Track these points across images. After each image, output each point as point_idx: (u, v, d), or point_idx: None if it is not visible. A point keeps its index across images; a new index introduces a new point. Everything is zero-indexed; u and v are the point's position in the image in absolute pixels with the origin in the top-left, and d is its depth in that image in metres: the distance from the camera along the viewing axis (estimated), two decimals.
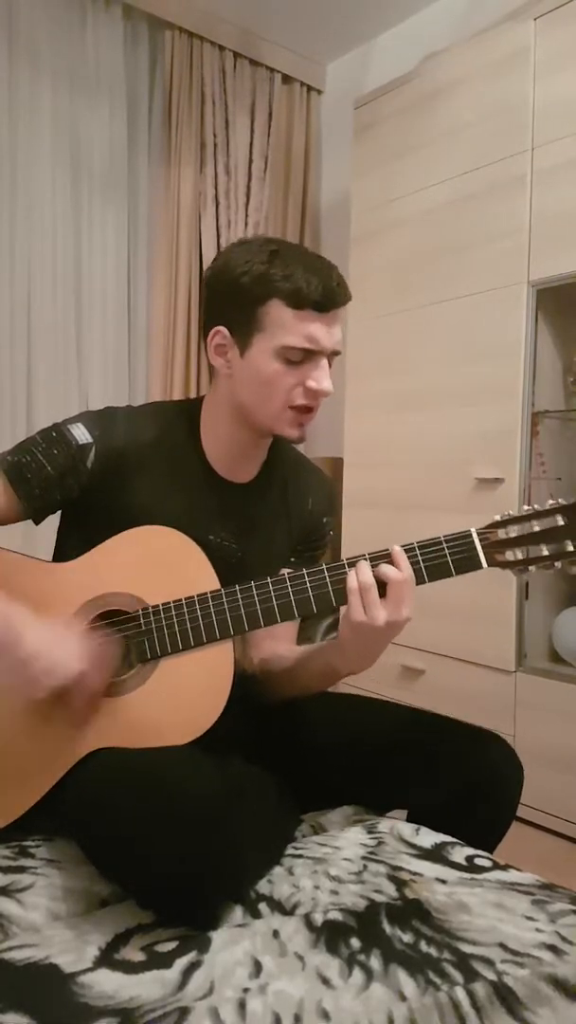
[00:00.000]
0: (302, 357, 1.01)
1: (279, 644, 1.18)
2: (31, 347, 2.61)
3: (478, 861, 0.97)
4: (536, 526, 0.95)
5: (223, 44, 2.89)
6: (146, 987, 0.71)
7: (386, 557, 0.96)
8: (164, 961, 0.75)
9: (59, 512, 1.12)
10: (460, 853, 0.98)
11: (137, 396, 2.87)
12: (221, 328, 1.04)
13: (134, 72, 2.81)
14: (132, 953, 0.77)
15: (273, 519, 1.17)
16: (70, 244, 2.67)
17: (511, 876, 0.94)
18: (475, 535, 0.96)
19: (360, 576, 0.94)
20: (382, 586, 0.94)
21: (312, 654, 1.09)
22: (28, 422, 2.59)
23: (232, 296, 1.02)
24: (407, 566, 0.95)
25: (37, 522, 1.10)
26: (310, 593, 0.98)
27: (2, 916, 0.83)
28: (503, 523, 0.97)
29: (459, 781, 1.04)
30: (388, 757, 1.09)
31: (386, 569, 0.94)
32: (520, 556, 0.95)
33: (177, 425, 1.12)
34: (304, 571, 0.99)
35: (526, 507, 0.97)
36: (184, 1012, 0.67)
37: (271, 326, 1.00)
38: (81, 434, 1.05)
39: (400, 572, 0.94)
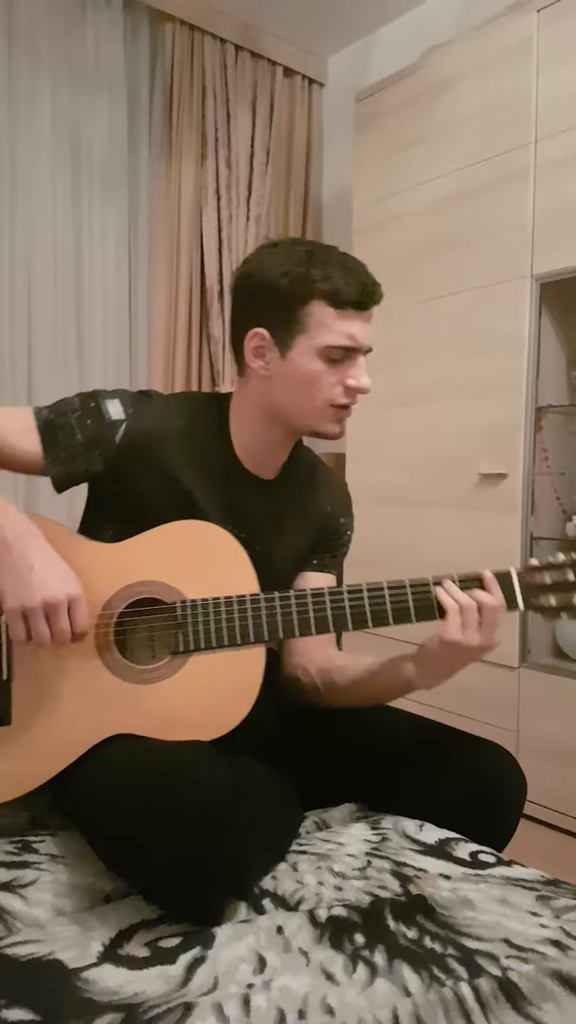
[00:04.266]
0: (343, 356, 1.04)
1: (326, 649, 1.18)
2: (31, 341, 2.60)
3: (482, 857, 0.97)
4: (571, 575, 0.99)
5: (224, 37, 2.87)
6: (150, 983, 0.71)
7: (475, 581, 0.99)
8: (168, 957, 0.75)
9: (84, 488, 1.13)
10: (464, 849, 0.98)
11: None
12: (260, 330, 1.05)
13: (134, 65, 2.79)
14: (136, 949, 0.77)
15: (292, 517, 1.18)
16: (70, 238, 2.67)
17: (515, 872, 0.93)
18: (515, 577, 1.00)
19: (461, 598, 0.97)
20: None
21: (384, 667, 1.08)
22: None
23: (271, 298, 1.03)
24: (499, 592, 0.99)
25: (59, 490, 1.11)
26: (388, 606, 1.00)
27: (6, 912, 0.83)
28: (540, 568, 1.01)
29: (463, 790, 1.05)
30: (392, 763, 1.10)
31: (482, 594, 0.98)
32: (553, 603, 1.00)
33: (209, 416, 1.13)
34: (384, 583, 1.00)
35: (561, 555, 1.01)
36: (188, 1008, 0.67)
37: (313, 326, 1.02)
38: (116, 410, 1.07)
39: (494, 598, 0.98)
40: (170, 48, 2.79)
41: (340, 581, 1.25)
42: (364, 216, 2.58)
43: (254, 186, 2.96)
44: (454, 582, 0.99)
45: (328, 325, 1.02)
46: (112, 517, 1.09)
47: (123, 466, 1.07)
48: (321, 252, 1.04)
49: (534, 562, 1.01)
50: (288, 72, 3.10)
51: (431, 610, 0.99)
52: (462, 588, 0.99)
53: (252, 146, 2.96)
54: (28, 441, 1.06)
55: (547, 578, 1.00)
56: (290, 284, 1.02)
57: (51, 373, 2.63)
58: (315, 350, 1.03)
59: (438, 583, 0.99)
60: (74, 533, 1.06)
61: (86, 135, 2.67)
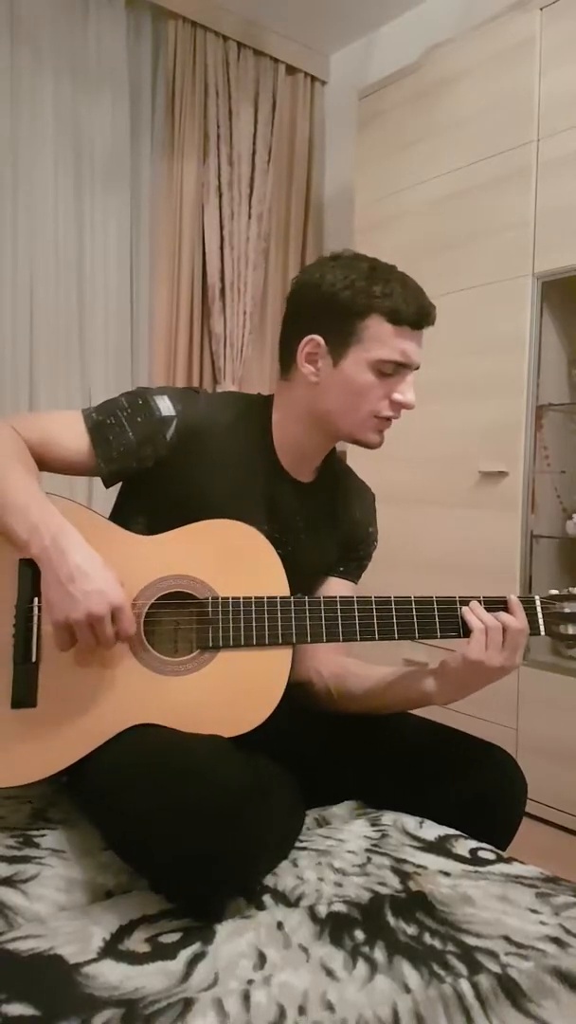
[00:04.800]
0: (393, 371, 1.06)
1: (341, 655, 1.20)
2: (33, 338, 2.60)
3: (482, 854, 0.97)
4: None
5: (226, 34, 2.87)
6: (150, 978, 0.71)
7: (500, 604, 1.03)
8: (168, 952, 0.75)
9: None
10: (464, 846, 0.98)
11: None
12: (315, 337, 1.07)
13: (137, 62, 2.79)
14: (137, 944, 0.77)
15: (324, 521, 1.20)
16: (72, 235, 2.66)
17: (515, 869, 0.94)
18: (539, 604, 1.05)
19: (487, 619, 1.01)
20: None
21: (401, 679, 1.10)
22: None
23: (330, 308, 1.05)
24: (523, 616, 1.03)
25: (108, 485, 1.12)
26: (415, 620, 1.03)
27: (7, 907, 0.83)
28: (562, 598, 1.06)
29: (465, 794, 1.06)
30: (397, 766, 1.11)
31: (507, 617, 1.01)
32: (571, 632, 1.05)
33: (252, 415, 1.15)
34: (412, 597, 1.03)
35: None
36: (188, 1003, 0.67)
37: (369, 339, 1.05)
38: (166, 406, 1.08)
39: (519, 622, 1.01)
40: (172, 45, 2.78)
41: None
42: (365, 214, 2.57)
43: (256, 184, 2.96)
44: (480, 603, 1.03)
45: (384, 340, 1.04)
46: (147, 509, 1.10)
47: (171, 460, 1.08)
48: (383, 269, 1.07)
49: (554, 591, 1.06)
50: (290, 70, 3.10)
51: (455, 627, 1.03)
52: (487, 610, 1.02)
53: (254, 144, 2.96)
54: (80, 444, 1.07)
55: (566, 608, 1.05)
56: (352, 296, 1.04)
57: (52, 369, 2.63)
58: (368, 362, 1.05)
59: (464, 603, 1.03)
60: (106, 520, 1.07)
61: (88, 132, 2.67)
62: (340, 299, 1.05)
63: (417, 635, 1.03)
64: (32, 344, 2.60)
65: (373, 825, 1.04)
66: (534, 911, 0.82)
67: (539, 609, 1.05)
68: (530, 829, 2.00)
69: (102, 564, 0.95)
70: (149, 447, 1.07)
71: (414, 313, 1.05)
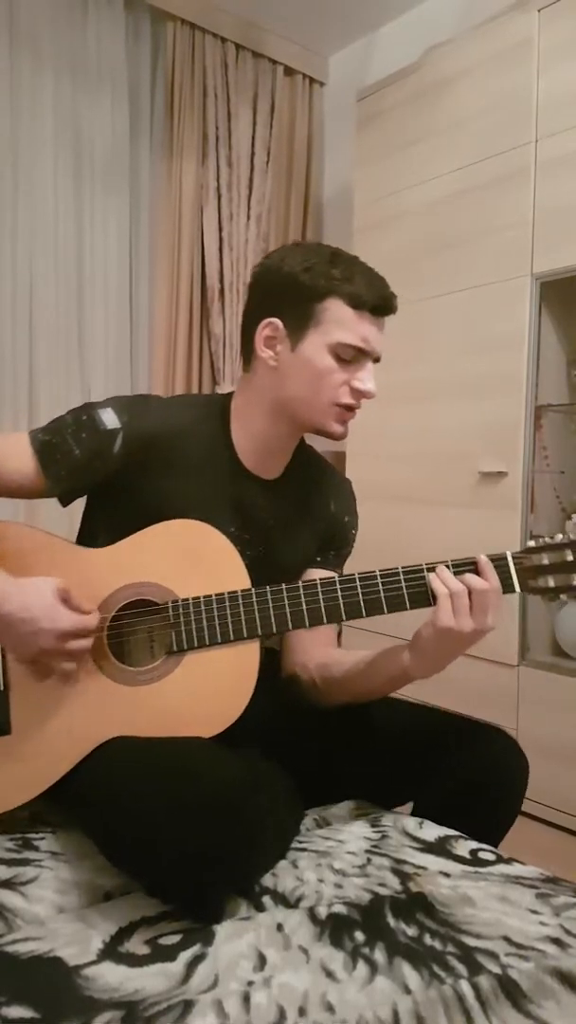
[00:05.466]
0: (353, 356, 1.04)
1: (326, 647, 1.18)
2: (33, 339, 2.60)
3: (482, 855, 0.97)
4: (570, 555, 0.97)
5: (225, 36, 2.87)
6: (150, 980, 0.71)
7: (468, 566, 0.98)
8: (168, 954, 0.75)
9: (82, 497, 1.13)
10: (464, 847, 0.98)
11: (139, 389, 2.87)
12: (274, 320, 1.06)
13: (136, 64, 2.79)
14: (136, 946, 0.77)
15: (297, 517, 1.18)
16: (72, 236, 2.66)
17: (515, 870, 0.94)
18: (511, 559, 0.99)
19: (450, 583, 0.96)
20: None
21: (380, 657, 1.08)
22: (30, 416, 2.58)
23: (289, 290, 1.04)
24: (494, 576, 0.97)
25: (64, 504, 1.11)
26: (382, 594, 0.99)
27: (6, 909, 0.83)
28: (538, 549, 0.99)
29: (464, 774, 1.04)
30: (394, 751, 1.10)
31: (472, 578, 0.96)
32: (552, 584, 0.98)
33: (208, 417, 1.13)
34: (377, 571, 0.99)
35: (560, 535, 0.99)
36: (188, 1005, 0.67)
37: (328, 322, 1.03)
38: (110, 419, 1.06)
39: (485, 583, 0.96)
40: (171, 47, 2.78)
41: None
42: (364, 215, 2.57)
43: (255, 185, 2.96)
44: (449, 567, 0.98)
45: (344, 323, 1.03)
46: (110, 524, 1.07)
47: (123, 472, 1.06)
48: (346, 256, 1.06)
49: (531, 543, 1.00)
50: (289, 71, 3.10)
51: (425, 597, 0.98)
52: (456, 573, 0.98)
53: (253, 145, 2.96)
54: (27, 467, 1.05)
55: (545, 559, 0.98)
56: (311, 278, 1.03)
57: (52, 371, 2.63)
58: (327, 346, 1.03)
59: (432, 569, 0.98)
60: (60, 539, 1.05)
61: (88, 134, 2.67)
62: (299, 281, 1.03)
63: (386, 609, 0.98)
64: (32, 344, 2.60)
65: (373, 826, 1.04)
66: (534, 912, 0.82)
67: (511, 565, 0.98)
68: (530, 830, 2.01)
69: (36, 592, 0.95)
70: (98, 462, 1.05)
71: (375, 299, 1.04)
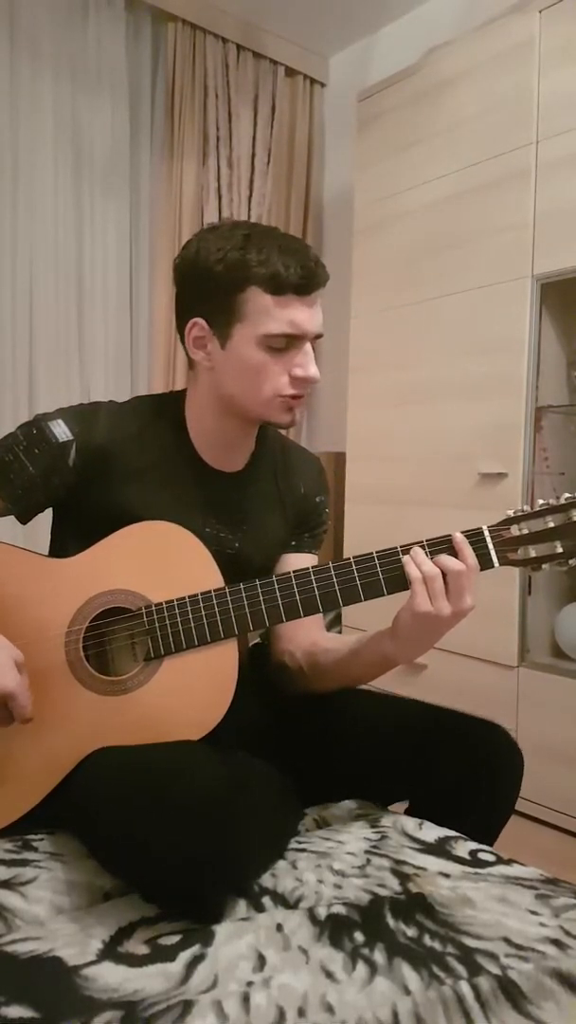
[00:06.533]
0: (286, 344, 0.99)
1: (313, 633, 1.15)
2: (33, 340, 2.60)
3: (482, 855, 0.97)
4: (550, 522, 0.93)
5: (226, 36, 2.88)
6: (150, 980, 0.71)
7: (443, 546, 0.94)
8: (168, 954, 0.75)
9: (50, 510, 1.11)
10: (464, 847, 0.98)
11: (140, 390, 2.87)
12: (198, 320, 1.02)
13: (136, 64, 2.80)
14: (136, 946, 0.77)
15: (267, 506, 1.16)
16: (72, 237, 2.67)
17: (515, 870, 0.93)
18: (487, 533, 0.95)
19: (424, 566, 0.93)
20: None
21: (364, 644, 1.05)
22: (30, 416, 2.58)
23: (207, 286, 0.99)
24: (470, 554, 0.93)
25: (23, 522, 1.09)
26: (358, 582, 0.95)
27: (6, 909, 0.83)
28: (515, 519, 0.95)
29: (460, 768, 1.04)
30: (390, 747, 1.09)
31: (446, 560, 0.92)
32: (533, 554, 0.94)
33: (163, 417, 1.10)
34: (351, 558, 0.96)
35: (541, 501, 0.95)
36: (188, 1005, 0.67)
37: (251, 314, 0.98)
38: (61, 431, 1.04)
39: (460, 563, 0.92)
40: (172, 47, 2.79)
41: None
42: (365, 216, 2.58)
43: (255, 186, 2.97)
44: (424, 547, 0.94)
45: (267, 312, 0.97)
46: (79, 536, 1.04)
47: (83, 483, 1.04)
48: (259, 235, 0.99)
49: (509, 513, 0.96)
50: (290, 72, 3.11)
51: (403, 581, 0.94)
52: (432, 553, 0.94)
53: (253, 146, 2.97)
54: None
55: (525, 528, 0.94)
56: (226, 270, 0.97)
57: (52, 373, 2.64)
58: (255, 339, 0.98)
59: (407, 551, 0.94)
60: (28, 552, 1.03)
61: (88, 134, 2.67)
62: (215, 275, 0.98)
63: (363, 597, 0.95)
64: (32, 345, 2.60)
65: (372, 827, 1.03)
66: (534, 913, 0.82)
67: (488, 540, 0.94)
68: (530, 830, 2.01)
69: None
70: (55, 477, 1.03)
71: (296, 278, 0.96)
